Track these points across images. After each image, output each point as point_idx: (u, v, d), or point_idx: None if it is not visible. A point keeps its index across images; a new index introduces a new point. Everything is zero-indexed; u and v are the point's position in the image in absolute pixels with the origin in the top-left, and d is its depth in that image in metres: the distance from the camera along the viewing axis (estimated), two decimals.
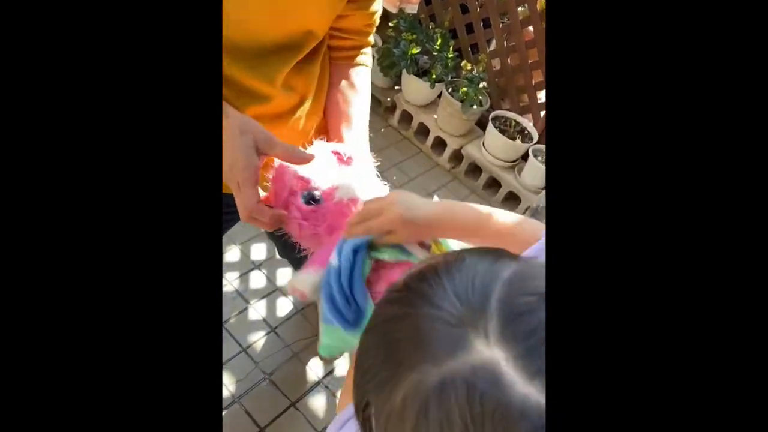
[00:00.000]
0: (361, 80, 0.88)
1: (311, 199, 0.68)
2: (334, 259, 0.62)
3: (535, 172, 2.15)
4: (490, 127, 2.19)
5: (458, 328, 0.31)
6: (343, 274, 0.60)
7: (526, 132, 2.24)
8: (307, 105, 0.83)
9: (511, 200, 2.28)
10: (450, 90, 2.19)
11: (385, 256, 0.64)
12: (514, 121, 2.26)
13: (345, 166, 0.72)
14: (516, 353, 0.29)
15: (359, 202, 0.69)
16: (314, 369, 1.56)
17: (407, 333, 0.33)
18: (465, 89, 2.12)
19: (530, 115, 2.28)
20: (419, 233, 0.64)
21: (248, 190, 0.64)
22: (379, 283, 0.64)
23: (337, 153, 0.73)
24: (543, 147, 2.21)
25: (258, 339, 1.59)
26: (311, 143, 0.73)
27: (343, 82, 0.87)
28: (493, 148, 2.23)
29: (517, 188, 2.22)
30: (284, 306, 1.68)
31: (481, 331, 0.30)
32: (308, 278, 0.64)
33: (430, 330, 0.32)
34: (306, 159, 0.67)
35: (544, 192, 2.10)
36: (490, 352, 0.29)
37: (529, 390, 0.28)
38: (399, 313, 0.35)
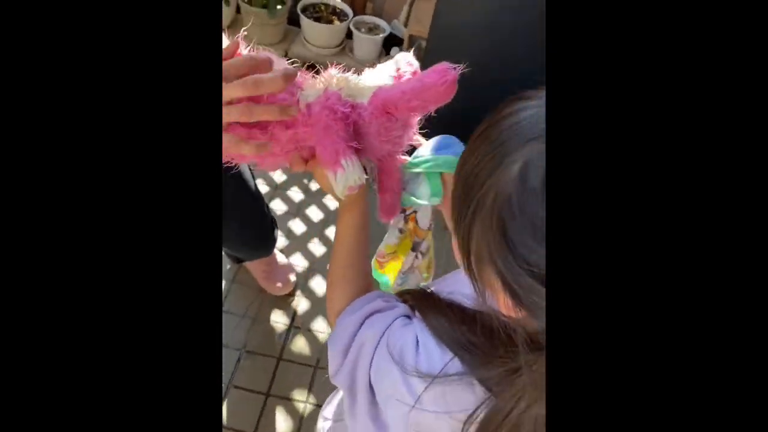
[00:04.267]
0: None
1: None
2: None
3: (364, 44, 2.16)
4: (303, 19, 2.12)
5: None
6: None
7: (338, 11, 2.20)
8: None
9: None
10: (246, 0, 2.05)
11: None
12: (323, 4, 2.20)
13: None
14: None
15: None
16: (279, 320, 1.59)
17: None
18: None
19: None
20: None
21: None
22: None
23: None
24: (363, 17, 2.20)
25: None
26: None
27: None
28: (315, 39, 2.18)
29: (356, 67, 2.21)
30: None
31: None
32: (353, 168, 0.60)
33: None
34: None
35: (381, 60, 2.13)
36: None
37: None
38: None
